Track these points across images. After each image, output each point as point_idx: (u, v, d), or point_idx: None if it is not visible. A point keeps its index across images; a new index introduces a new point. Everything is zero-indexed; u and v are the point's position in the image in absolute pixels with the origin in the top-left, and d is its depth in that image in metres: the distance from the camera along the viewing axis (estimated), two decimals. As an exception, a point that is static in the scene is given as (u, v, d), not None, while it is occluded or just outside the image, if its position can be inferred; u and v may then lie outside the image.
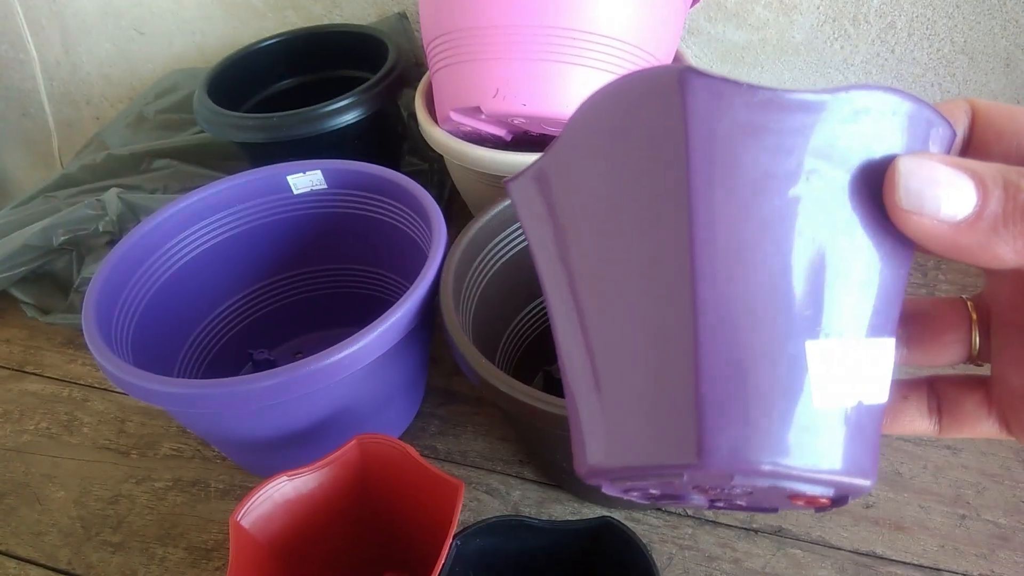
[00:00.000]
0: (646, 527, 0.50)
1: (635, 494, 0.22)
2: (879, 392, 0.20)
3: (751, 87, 0.18)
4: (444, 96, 0.59)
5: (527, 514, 0.51)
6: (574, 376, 0.21)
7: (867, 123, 0.19)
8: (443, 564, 0.39)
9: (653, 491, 0.21)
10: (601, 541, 0.40)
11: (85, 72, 1.10)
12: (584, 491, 0.52)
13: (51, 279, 0.76)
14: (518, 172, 0.23)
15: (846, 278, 0.19)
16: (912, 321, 0.25)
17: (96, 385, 0.66)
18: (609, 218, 0.20)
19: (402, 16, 0.85)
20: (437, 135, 0.61)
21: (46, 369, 0.68)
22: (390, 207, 0.58)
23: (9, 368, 0.69)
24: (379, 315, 0.46)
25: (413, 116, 0.80)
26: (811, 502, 0.20)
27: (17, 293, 0.74)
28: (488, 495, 0.53)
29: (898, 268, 0.20)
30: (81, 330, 0.70)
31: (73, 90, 1.14)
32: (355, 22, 0.86)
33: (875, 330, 0.19)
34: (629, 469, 0.19)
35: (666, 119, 0.18)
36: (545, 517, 0.51)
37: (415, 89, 0.71)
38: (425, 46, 0.61)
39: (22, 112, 1.21)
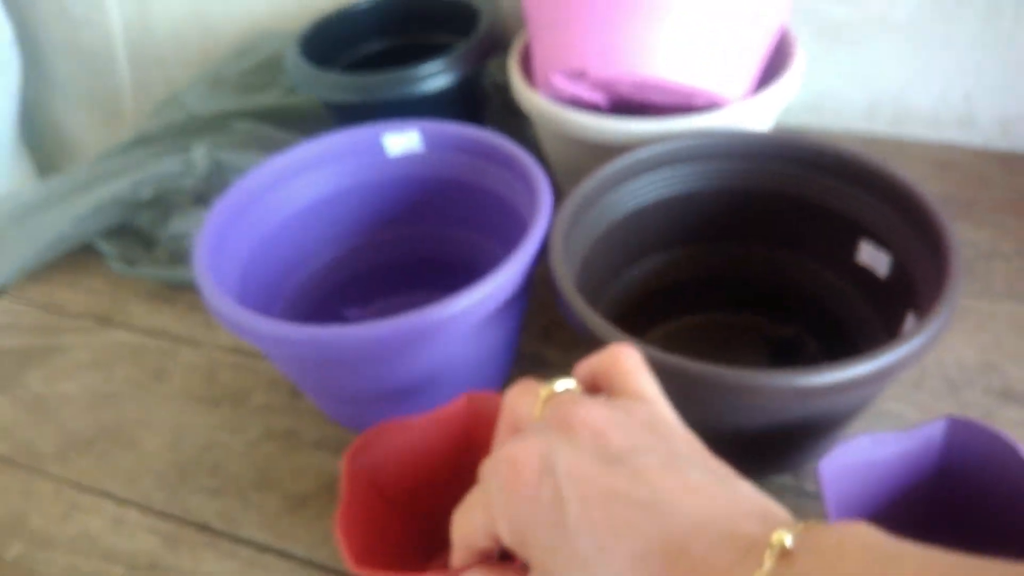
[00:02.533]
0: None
1: None
2: None
3: None
4: (547, 59, 0.59)
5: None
6: None
7: None
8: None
9: None
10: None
11: (160, 34, 1.11)
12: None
13: (134, 233, 0.77)
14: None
15: None
16: None
17: (184, 337, 0.67)
18: None
19: (487, -16, 0.85)
20: (536, 101, 0.61)
21: (133, 320, 0.69)
22: (488, 170, 0.58)
23: (96, 319, 0.70)
24: (469, 281, 0.46)
25: (496, 85, 0.80)
26: None
27: (103, 246, 0.75)
28: (581, 459, 0.53)
29: None
30: (166, 284, 0.72)
31: (146, 52, 1.14)
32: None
33: None
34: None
35: None
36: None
37: (499, 58, 0.71)
38: (527, 8, 0.61)
39: (92, 73, 1.22)
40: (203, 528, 0.52)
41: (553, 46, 0.58)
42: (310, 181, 0.60)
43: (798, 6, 0.70)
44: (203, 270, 0.49)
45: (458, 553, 0.32)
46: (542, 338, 0.62)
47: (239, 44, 0.98)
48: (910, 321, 0.46)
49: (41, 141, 1.33)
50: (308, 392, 0.56)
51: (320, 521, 0.52)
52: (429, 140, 0.60)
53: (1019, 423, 0.51)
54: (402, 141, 0.60)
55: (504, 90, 0.80)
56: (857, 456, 0.41)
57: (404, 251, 0.65)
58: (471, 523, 0.31)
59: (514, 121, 0.76)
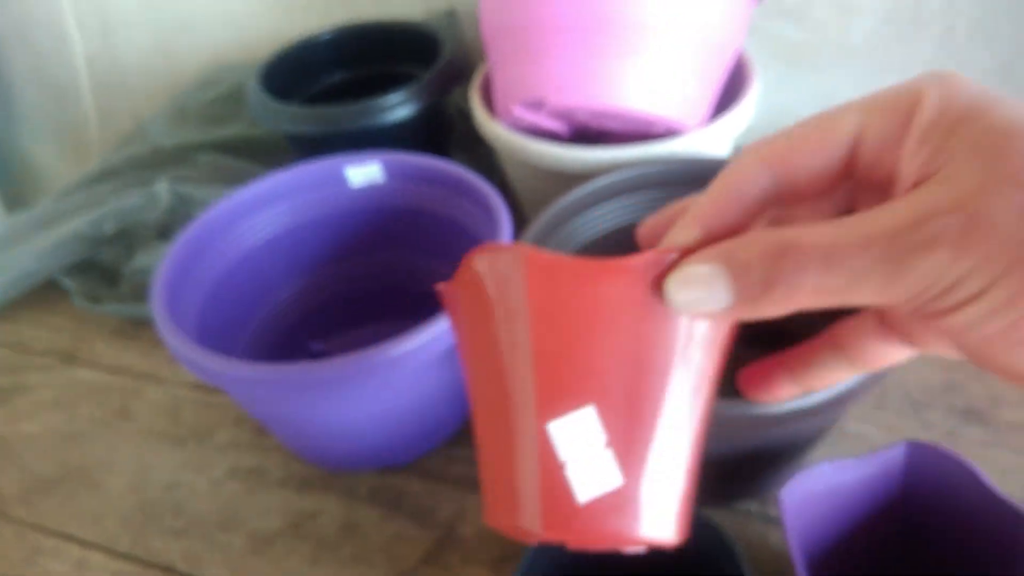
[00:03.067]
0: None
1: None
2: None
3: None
4: (507, 90, 0.59)
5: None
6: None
7: None
8: (524, 558, 0.39)
9: None
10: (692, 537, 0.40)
11: (124, 64, 1.10)
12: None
13: (99, 268, 0.76)
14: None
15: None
16: None
17: (148, 374, 0.66)
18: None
19: (450, 13, 0.85)
20: (497, 130, 0.61)
21: (97, 357, 0.68)
22: (450, 200, 0.59)
23: (60, 356, 0.69)
24: (435, 311, 0.46)
25: (461, 112, 0.80)
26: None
27: (66, 282, 0.74)
28: (549, 489, 0.53)
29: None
30: (130, 320, 0.71)
31: (111, 82, 1.14)
32: (402, 17, 0.86)
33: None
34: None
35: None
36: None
37: (463, 86, 0.71)
38: (486, 39, 0.61)
39: (57, 104, 1.21)
40: (168, 570, 0.52)
41: (512, 77, 0.58)
42: (273, 214, 0.60)
43: (757, 30, 0.71)
44: (160, 308, 0.49)
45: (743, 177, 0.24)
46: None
47: (204, 75, 0.98)
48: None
49: (8, 173, 1.32)
50: (271, 428, 0.56)
51: (287, 560, 0.51)
52: (390, 171, 0.60)
53: (982, 442, 0.52)
54: (364, 173, 0.60)
55: (469, 118, 0.80)
56: (818, 483, 0.41)
57: (370, 281, 0.65)
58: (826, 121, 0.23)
59: (481, 148, 0.76)
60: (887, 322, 0.26)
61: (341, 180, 0.60)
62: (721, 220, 0.24)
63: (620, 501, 0.23)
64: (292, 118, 0.67)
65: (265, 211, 0.59)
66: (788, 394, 0.28)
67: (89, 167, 0.89)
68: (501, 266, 0.24)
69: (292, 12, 0.95)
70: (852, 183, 0.24)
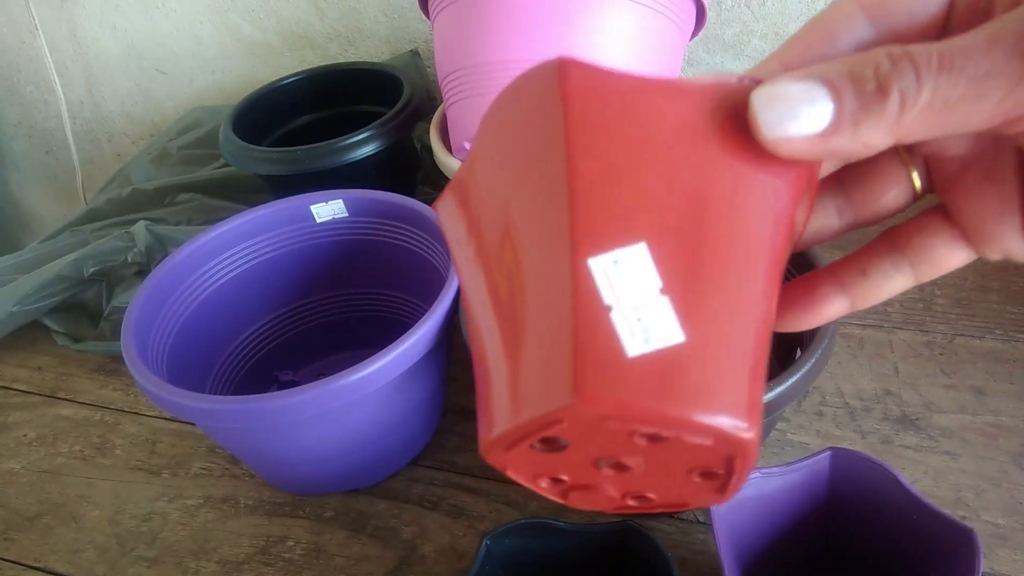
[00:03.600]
0: (659, 534, 0.52)
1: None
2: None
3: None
4: (459, 127, 0.62)
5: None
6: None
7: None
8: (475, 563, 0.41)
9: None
10: (624, 544, 0.42)
11: (107, 111, 1.14)
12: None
13: (81, 308, 0.79)
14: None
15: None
16: (848, 177, 0.26)
17: (127, 409, 0.68)
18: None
19: (414, 54, 0.89)
20: (452, 164, 0.64)
21: (78, 394, 0.71)
22: (409, 233, 0.61)
23: (42, 394, 0.72)
24: (400, 337, 0.48)
25: (426, 147, 0.84)
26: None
27: (49, 322, 0.77)
28: (507, 506, 0.56)
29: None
30: (111, 357, 0.74)
31: (95, 128, 1.18)
32: (369, 60, 0.90)
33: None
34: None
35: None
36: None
37: (428, 122, 0.75)
38: (440, 81, 0.64)
39: (45, 150, 1.25)
40: (141, 597, 0.54)
41: (462, 114, 0.61)
42: (241, 252, 0.63)
43: (700, 63, 0.74)
44: (130, 346, 0.51)
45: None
46: (469, 390, 0.64)
47: (183, 119, 1.01)
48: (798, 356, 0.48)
49: (1, 218, 1.36)
50: (241, 457, 0.58)
51: (255, 584, 0.53)
52: (353, 207, 0.63)
53: (916, 447, 0.54)
54: (328, 209, 0.63)
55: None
56: (748, 489, 0.43)
57: (338, 312, 0.68)
58: None
59: (445, 182, 0.79)
60: (954, 217, 0.24)
61: (307, 216, 0.63)
62: (806, 62, 0.21)
63: (682, 362, 0.18)
64: (262, 159, 0.70)
65: (233, 249, 0.62)
66: (835, 312, 0.25)
67: (77, 210, 0.92)
68: (540, 74, 0.21)
69: (266, 57, 0.98)
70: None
